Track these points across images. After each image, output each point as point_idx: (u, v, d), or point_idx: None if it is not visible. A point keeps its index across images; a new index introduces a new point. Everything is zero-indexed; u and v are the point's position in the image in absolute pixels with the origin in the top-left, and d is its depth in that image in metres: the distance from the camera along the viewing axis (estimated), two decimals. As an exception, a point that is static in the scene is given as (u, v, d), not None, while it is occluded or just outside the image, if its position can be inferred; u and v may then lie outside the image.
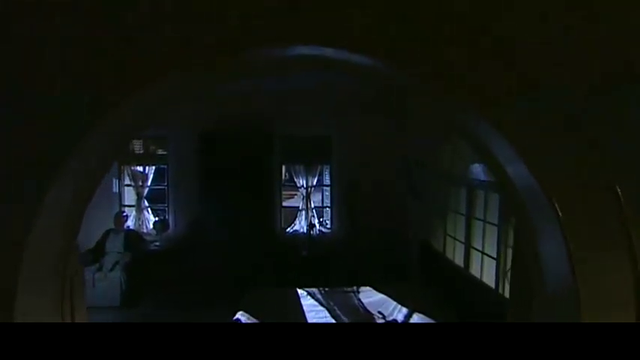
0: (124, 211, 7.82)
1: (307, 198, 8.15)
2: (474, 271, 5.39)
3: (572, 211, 1.83)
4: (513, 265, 3.74)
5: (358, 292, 6.24)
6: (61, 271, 2.04)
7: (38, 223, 1.78)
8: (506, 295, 4.52)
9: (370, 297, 6.09)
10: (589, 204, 1.85)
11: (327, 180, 8.58)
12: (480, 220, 5.29)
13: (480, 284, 5.13)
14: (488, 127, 1.91)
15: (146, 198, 8.11)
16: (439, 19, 1.91)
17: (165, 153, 8.04)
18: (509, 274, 4.48)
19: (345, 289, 6.34)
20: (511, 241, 4.43)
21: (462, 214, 5.78)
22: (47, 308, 2.01)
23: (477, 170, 5.17)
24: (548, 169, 1.84)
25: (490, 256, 4.92)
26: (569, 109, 1.86)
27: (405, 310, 5.54)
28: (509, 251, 4.47)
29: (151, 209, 8.21)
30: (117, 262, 6.86)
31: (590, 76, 1.87)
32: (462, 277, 5.62)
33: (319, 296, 6.14)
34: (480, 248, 5.22)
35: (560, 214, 1.81)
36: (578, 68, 1.91)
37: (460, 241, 5.81)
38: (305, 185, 8.10)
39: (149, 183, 8.07)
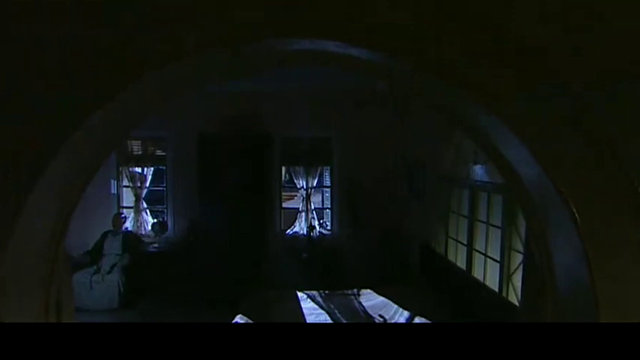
0: (122, 213, 7.78)
1: (307, 199, 8.09)
2: (477, 273, 5.32)
3: (587, 211, 1.77)
4: (524, 268, 3.68)
5: (359, 295, 6.17)
6: (46, 278, 1.96)
7: (21, 224, 1.71)
8: (510, 298, 4.47)
9: (371, 300, 6.03)
10: (606, 204, 1.79)
11: (327, 181, 8.52)
12: (482, 222, 5.22)
13: (482, 287, 5.06)
14: (498, 126, 1.85)
15: (145, 199, 8.06)
16: (440, 15, 1.86)
17: (164, 154, 7.99)
18: (512, 278, 4.42)
19: (346, 291, 6.28)
20: (515, 244, 4.37)
21: (465, 216, 5.71)
22: (30, 318, 1.93)
23: (480, 171, 5.10)
24: (562, 169, 1.78)
25: (493, 259, 4.85)
26: (584, 108, 1.80)
27: (406, 314, 5.48)
28: (514, 254, 4.41)
29: (150, 211, 8.16)
30: (115, 264, 6.81)
31: (603, 74, 1.81)
32: (464, 280, 5.55)
33: (319, 299, 6.07)
34: (483, 251, 5.15)
35: (576, 214, 1.74)
36: (589, 65, 1.85)
37: (462, 244, 5.75)
38: (305, 186, 8.04)
39: (148, 184, 8.02)
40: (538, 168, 1.78)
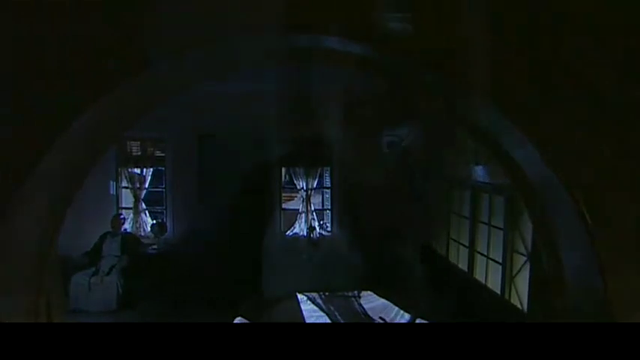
0: (121, 214, 7.72)
1: (307, 200, 8.04)
2: (479, 275, 5.29)
3: (598, 212, 1.73)
4: (531, 269, 3.64)
5: (359, 297, 6.14)
6: (38, 278, 1.91)
7: (14, 224, 1.66)
8: (512, 300, 4.43)
9: (371, 302, 6.00)
10: (615, 205, 1.75)
11: (327, 182, 8.48)
12: (484, 223, 5.18)
13: (484, 289, 5.02)
14: (506, 126, 1.81)
15: (144, 200, 8.01)
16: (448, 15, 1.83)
17: (163, 155, 7.95)
18: (515, 280, 4.38)
19: (346, 293, 6.25)
20: (518, 246, 4.33)
21: (466, 217, 5.68)
22: (20, 318, 1.88)
23: (481, 172, 5.07)
24: (572, 171, 1.74)
25: (495, 261, 4.81)
26: (595, 110, 1.76)
27: (407, 316, 5.45)
28: (516, 256, 4.37)
29: (149, 212, 8.11)
30: (114, 266, 6.76)
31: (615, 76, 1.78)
32: (466, 282, 5.51)
33: (319, 301, 6.04)
34: (485, 252, 5.11)
35: (586, 215, 1.70)
36: (600, 67, 1.81)
37: (464, 245, 5.71)
38: (305, 187, 8.00)
39: (147, 185, 7.97)
40: (547, 169, 1.74)
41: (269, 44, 1.89)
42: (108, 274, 6.62)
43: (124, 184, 7.97)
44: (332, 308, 5.81)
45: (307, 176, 8.00)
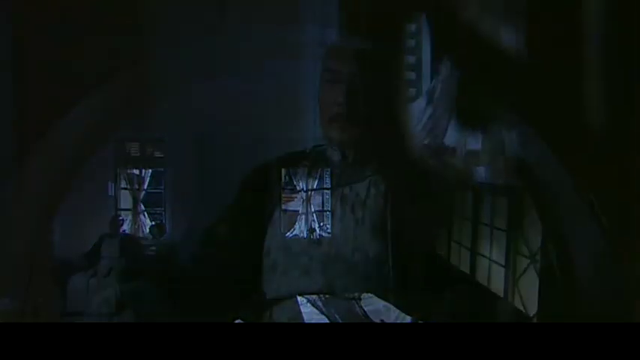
0: (119, 215, 7.74)
1: (307, 201, 8.02)
2: (480, 278, 5.27)
3: (611, 214, 1.70)
4: (540, 272, 3.63)
5: (360, 300, 6.11)
6: (26, 280, 1.87)
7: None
8: (515, 303, 4.42)
9: (372, 304, 5.94)
10: (631, 207, 1.72)
11: (327, 183, 8.45)
12: (486, 225, 5.17)
13: (486, 291, 5.00)
14: (516, 125, 1.79)
15: (143, 202, 8.03)
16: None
17: (162, 156, 7.98)
18: (519, 283, 4.36)
19: (347, 296, 6.22)
20: (521, 248, 4.31)
21: (467, 219, 5.65)
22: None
23: (483, 172, 5.04)
24: (585, 171, 1.71)
25: (498, 263, 4.79)
26: (608, 112, 1.74)
27: (408, 319, 5.43)
28: (519, 258, 4.35)
29: (148, 213, 8.12)
30: (112, 268, 6.78)
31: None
32: (467, 284, 5.48)
33: (319, 303, 6.00)
34: (487, 254, 5.09)
35: (600, 216, 1.68)
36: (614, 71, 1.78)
37: (465, 247, 5.69)
38: (305, 188, 7.98)
39: (146, 186, 7.99)
40: (559, 168, 1.71)
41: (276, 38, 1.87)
42: (106, 276, 6.64)
43: (123, 185, 7.98)
44: (332, 310, 5.77)
45: (307, 177, 7.98)
